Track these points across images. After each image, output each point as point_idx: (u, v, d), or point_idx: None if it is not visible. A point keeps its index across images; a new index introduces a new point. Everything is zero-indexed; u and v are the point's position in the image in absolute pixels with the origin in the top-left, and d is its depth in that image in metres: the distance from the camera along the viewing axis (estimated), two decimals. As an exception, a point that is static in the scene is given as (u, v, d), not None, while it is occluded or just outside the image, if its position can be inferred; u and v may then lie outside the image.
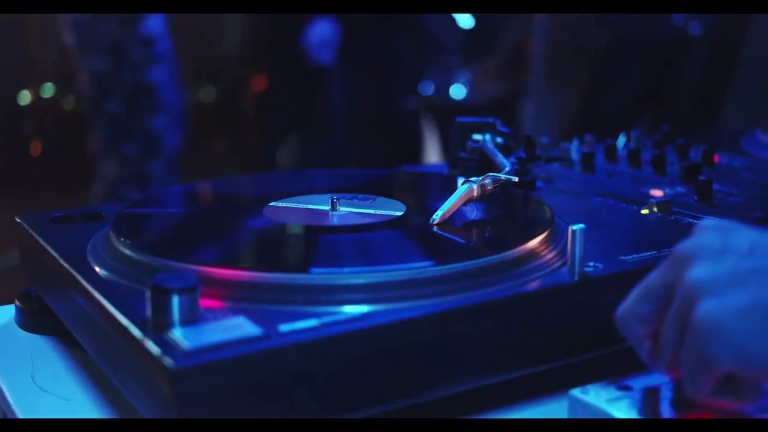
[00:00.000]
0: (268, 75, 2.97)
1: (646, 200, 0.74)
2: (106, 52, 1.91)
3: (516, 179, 0.64)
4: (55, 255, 0.59)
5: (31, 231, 0.66)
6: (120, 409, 0.55)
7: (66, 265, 0.57)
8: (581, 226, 0.54)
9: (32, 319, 0.67)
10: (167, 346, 0.43)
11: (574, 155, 0.90)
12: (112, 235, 0.58)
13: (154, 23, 1.94)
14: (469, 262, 0.52)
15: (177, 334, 0.45)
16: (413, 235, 0.59)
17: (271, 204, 0.66)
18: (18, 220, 0.69)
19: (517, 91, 3.03)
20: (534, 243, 0.56)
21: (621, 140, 1.00)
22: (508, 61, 3.01)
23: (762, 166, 0.91)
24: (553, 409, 0.53)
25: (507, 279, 0.53)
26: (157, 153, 2.00)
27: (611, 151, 0.92)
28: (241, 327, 0.46)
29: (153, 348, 0.44)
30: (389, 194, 0.70)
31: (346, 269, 0.50)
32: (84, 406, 0.56)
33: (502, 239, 0.57)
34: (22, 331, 0.68)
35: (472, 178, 0.64)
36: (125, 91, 1.92)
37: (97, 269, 0.56)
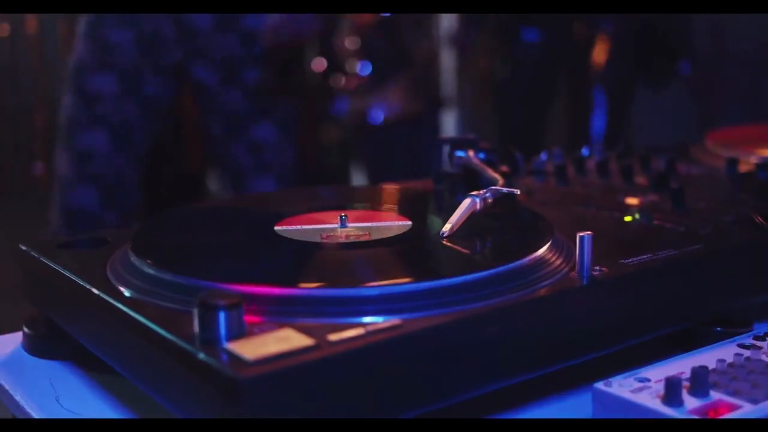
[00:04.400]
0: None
1: (622, 209, 0.78)
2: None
3: (518, 192, 0.67)
4: (78, 280, 0.60)
5: (42, 258, 0.66)
6: (156, 426, 0.56)
7: (95, 291, 0.58)
8: (589, 233, 0.58)
9: (47, 345, 0.67)
10: (229, 359, 0.45)
11: (549, 168, 0.95)
12: (139, 258, 0.60)
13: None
14: (490, 271, 0.56)
15: (234, 347, 0.47)
16: (431, 248, 0.62)
17: (282, 223, 0.69)
18: (23, 248, 0.70)
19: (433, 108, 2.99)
20: (543, 251, 0.60)
21: (585, 152, 1.05)
22: (419, 78, 2.95)
23: (719, 173, 0.97)
24: (575, 403, 0.57)
25: (524, 285, 0.56)
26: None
27: (580, 163, 0.97)
28: (292, 338, 0.48)
29: (214, 362, 0.46)
30: (384, 209, 0.74)
31: (382, 282, 0.53)
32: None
33: (515, 248, 0.60)
34: (33, 358, 0.68)
35: (474, 192, 0.67)
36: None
37: (126, 291, 0.57)
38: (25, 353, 0.69)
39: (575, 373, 0.59)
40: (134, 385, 0.59)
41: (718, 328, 0.66)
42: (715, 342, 0.61)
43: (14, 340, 0.71)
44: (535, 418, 0.56)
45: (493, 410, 0.56)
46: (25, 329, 0.70)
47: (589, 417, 0.53)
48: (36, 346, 0.68)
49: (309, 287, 0.53)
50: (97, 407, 0.60)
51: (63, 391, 0.62)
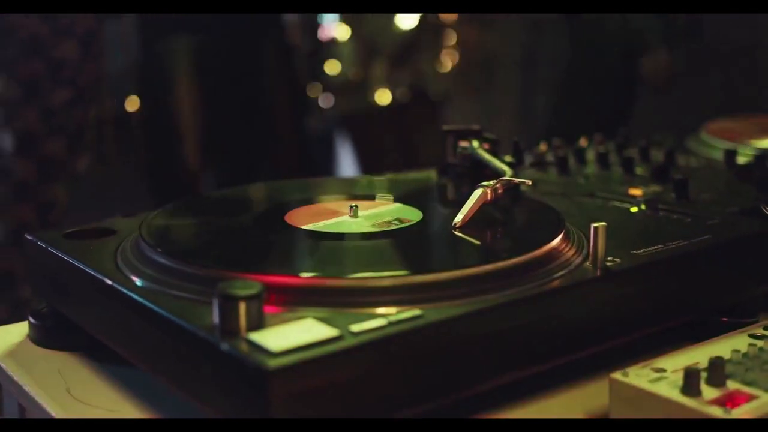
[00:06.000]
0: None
1: (626, 199, 0.79)
2: None
3: (530, 182, 0.67)
4: (89, 270, 0.60)
5: (50, 248, 0.66)
6: (169, 415, 0.56)
7: (108, 281, 0.58)
8: (603, 223, 0.59)
9: (54, 335, 0.67)
10: (254, 350, 0.45)
11: (551, 159, 0.95)
12: (155, 248, 0.59)
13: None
14: (508, 261, 0.56)
15: (257, 337, 0.46)
16: (445, 239, 0.62)
17: (291, 212, 0.68)
18: (29, 238, 0.69)
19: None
20: (557, 241, 0.60)
21: (583, 143, 1.05)
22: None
23: (717, 165, 0.98)
24: (590, 393, 0.58)
25: (540, 275, 0.57)
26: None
27: (581, 154, 0.97)
28: (316, 329, 0.48)
29: (239, 353, 0.45)
30: (391, 200, 0.74)
31: (402, 272, 0.53)
32: (131, 415, 0.57)
33: (530, 239, 0.60)
34: (39, 348, 0.68)
35: (484, 183, 0.68)
36: None
37: (138, 281, 0.57)
38: (32, 344, 0.68)
39: (585, 364, 0.59)
40: (144, 375, 0.58)
41: (725, 319, 0.67)
42: (721, 332, 0.61)
43: (19, 329, 0.71)
44: (552, 418, 0.56)
45: (509, 401, 0.57)
46: (31, 319, 0.69)
47: (605, 406, 0.54)
48: (43, 337, 0.68)
49: (327, 277, 0.53)
50: (108, 397, 0.59)
51: (72, 381, 0.62)
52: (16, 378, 0.63)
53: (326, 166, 2.98)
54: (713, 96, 2.21)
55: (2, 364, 0.65)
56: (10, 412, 0.70)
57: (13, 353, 0.67)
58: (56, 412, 0.58)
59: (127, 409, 0.58)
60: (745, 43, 2.20)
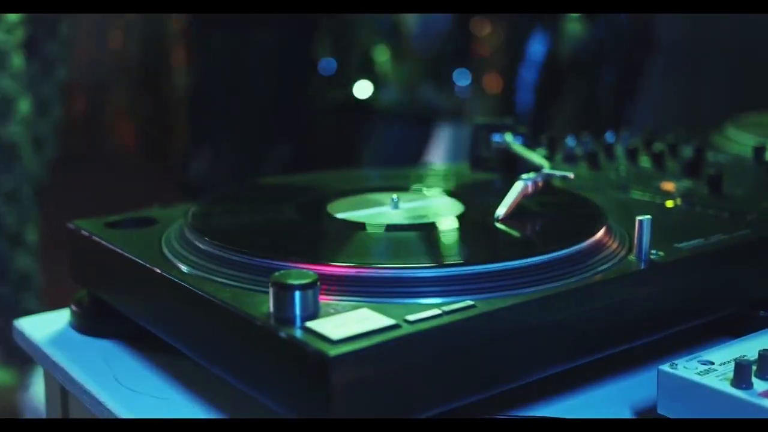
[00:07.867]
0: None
1: (657, 194, 0.79)
2: None
3: (572, 176, 0.68)
4: (137, 259, 0.61)
5: (94, 237, 0.66)
6: (221, 404, 0.57)
7: (157, 270, 0.58)
8: (648, 217, 0.59)
9: (98, 323, 0.67)
10: (315, 338, 0.46)
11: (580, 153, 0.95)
12: (207, 238, 0.60)
13: None
14: (559, 253, 0.56)
15: (315, 326, 0.47)
16: (491, 231, 0.63)
17: (333, 204, 0.69)
18: (71, 226, 0.70)
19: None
20: (602, 234, 0.61)
21: (610, 138, 1.05)
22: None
23: (745, 161, 0.98)
24: (635, 382, 0.58)
25: (588, 267, 0.57)
26: None
27: (609, 149, 0.97)
28: (372, 318, 0.48)
29: (297, 340, 0.46)
30: (428, 191, 0.74)
31: (454, 263, 0.54)
32: (182, 403, 0.57)
33: (575, 231, 0.61)
34: (81, 336, 0.68)
35: (524, 176, 0.68)
36: None
37: (186, 269, 0.58)
38: (74, 331, 0.69)
39: (625, 356, 0.60)
40: (188, 361, 0.59)
41: (762, 313, 0.67)
42: (758, 326, 0.62)
43: (59, 317, 0.71)
44: (603, 418, 0.57)
45: (554, 392, 0.57)
46: (73, 307, 0.70)
47: (653, 397, 0.54)
48: (87, 324, 0.68)
49: (379, 267, 0.53)
50: (154, 383, 0.60)
51: (116, 368, 0.63)
52: (62, 365, 0.63)
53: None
54: (717, 92, 2.21)
55: (47, 350, 0.66)
56: (52, 401, 0.70)
57: (57, 340, 0.67)
58: (103, 398, 0.58)
59: (174, 396, 0.58)
60: (749, 37, 2.19)
